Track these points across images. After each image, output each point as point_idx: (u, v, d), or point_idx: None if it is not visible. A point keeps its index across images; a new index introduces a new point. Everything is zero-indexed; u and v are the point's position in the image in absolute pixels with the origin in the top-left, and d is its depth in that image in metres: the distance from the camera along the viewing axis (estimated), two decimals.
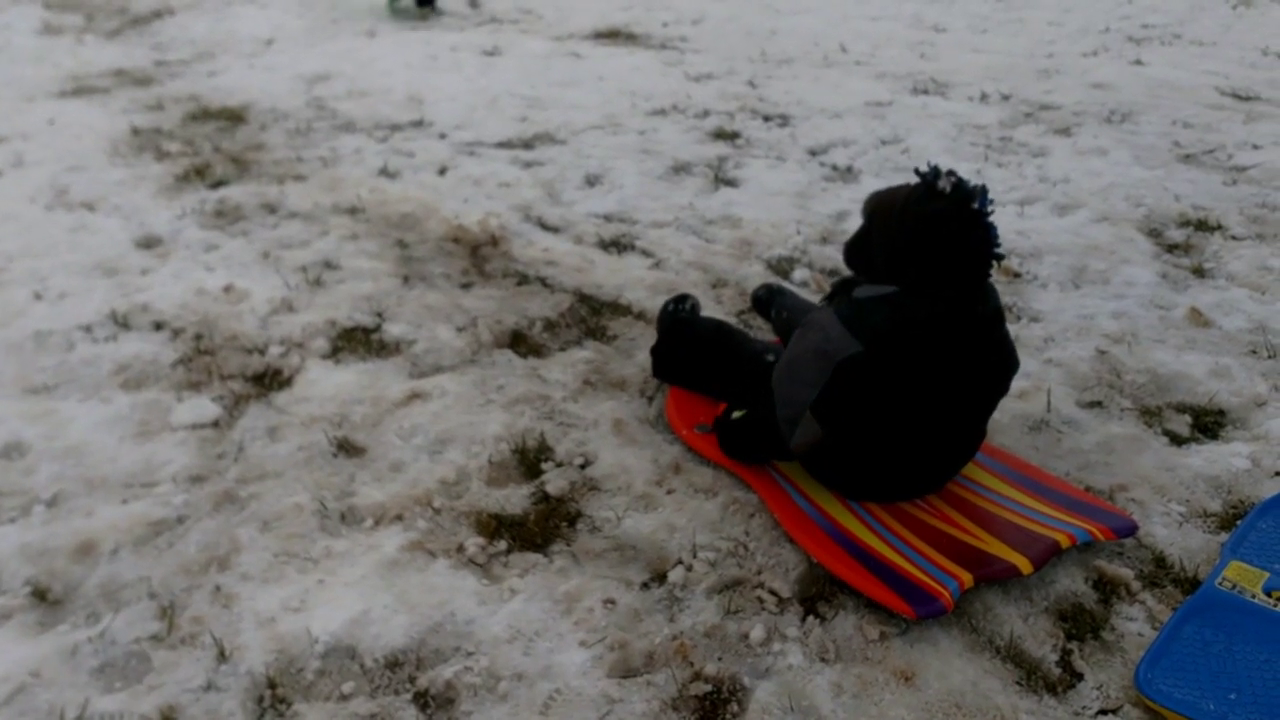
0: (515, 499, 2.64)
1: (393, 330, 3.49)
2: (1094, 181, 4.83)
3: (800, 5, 9.50)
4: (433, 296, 3.73)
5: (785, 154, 5.23)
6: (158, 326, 3.51)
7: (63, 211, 4.55)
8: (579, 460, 2.78)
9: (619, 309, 3.66)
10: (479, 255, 4.14)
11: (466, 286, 3.85)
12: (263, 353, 3.33)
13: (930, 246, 2.22)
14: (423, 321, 3.54)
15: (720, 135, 5.54)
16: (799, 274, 3.90)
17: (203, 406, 3.02)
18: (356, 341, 3.43)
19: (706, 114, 5.93)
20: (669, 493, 2.64)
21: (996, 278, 3.86)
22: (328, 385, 3.15)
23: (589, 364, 3.26)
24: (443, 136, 5.61)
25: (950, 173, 2.25)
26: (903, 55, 7.37)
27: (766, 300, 3.46)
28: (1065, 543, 2.37)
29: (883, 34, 8.14)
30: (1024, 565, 2.31)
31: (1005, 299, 3.71)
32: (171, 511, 2.57)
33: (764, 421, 2.49)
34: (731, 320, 3.52)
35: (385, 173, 5.01)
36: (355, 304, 3.67)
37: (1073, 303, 3.71)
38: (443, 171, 5.05)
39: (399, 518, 2.56)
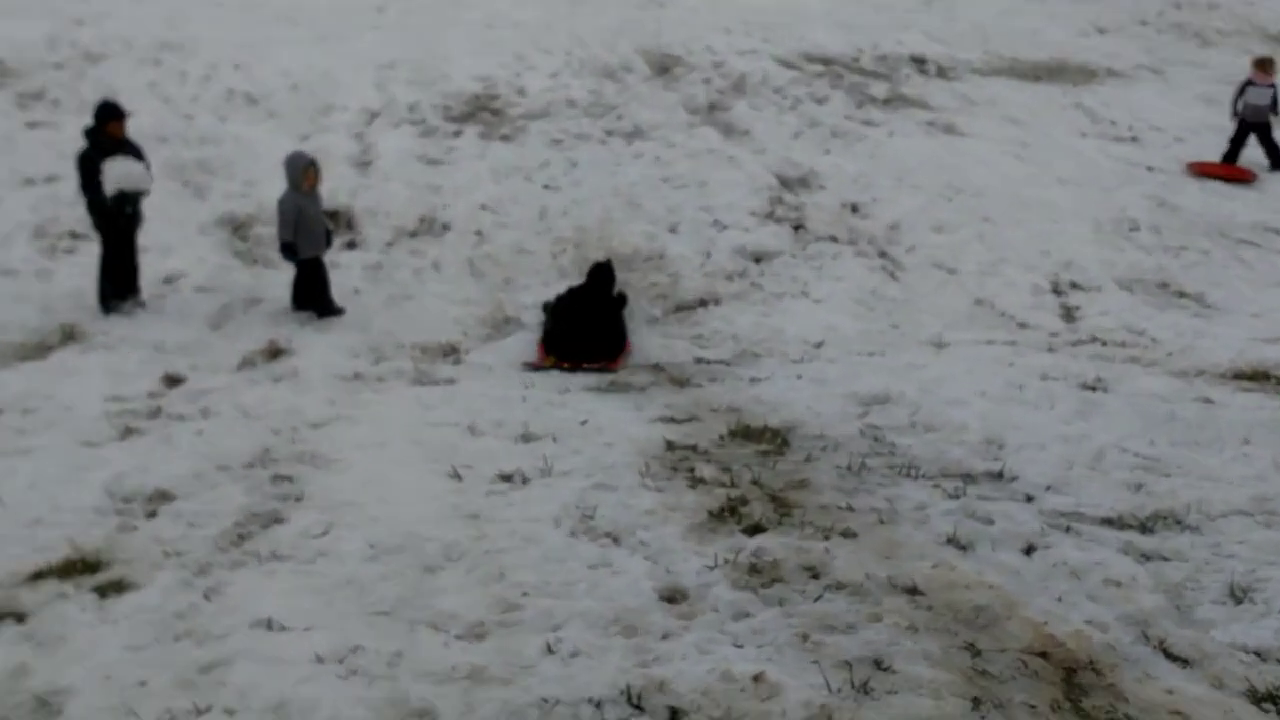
0: None
1: None
2: None
3: None
4: None
5: None
6: (674, 714, 3.47)
7: (586, 540, 4.81)
8: None
9: None
10: (1075, 683, 3.70)
11: None
12: None
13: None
14: None
15: None
16: None
17: None
18: None
19: None
20: None
21: None
22: None
23: None
24: (1029, 499, 5.25)
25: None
26: None
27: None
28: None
29: None
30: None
31: None
32: None
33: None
34: None
35: (954, 542, 4.72)
36: None
37: None
38: (1029, 551, 4.67)
39: None
